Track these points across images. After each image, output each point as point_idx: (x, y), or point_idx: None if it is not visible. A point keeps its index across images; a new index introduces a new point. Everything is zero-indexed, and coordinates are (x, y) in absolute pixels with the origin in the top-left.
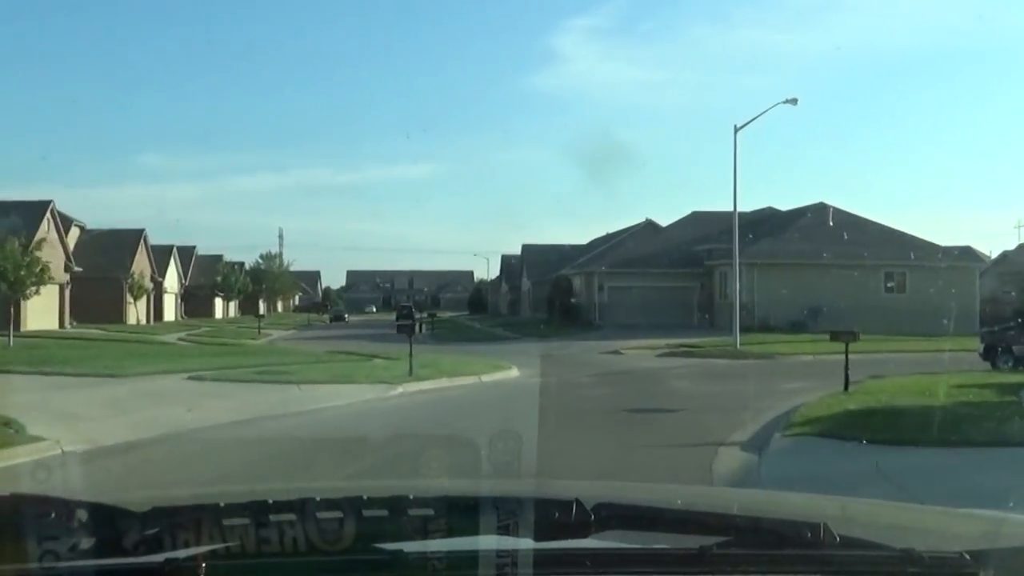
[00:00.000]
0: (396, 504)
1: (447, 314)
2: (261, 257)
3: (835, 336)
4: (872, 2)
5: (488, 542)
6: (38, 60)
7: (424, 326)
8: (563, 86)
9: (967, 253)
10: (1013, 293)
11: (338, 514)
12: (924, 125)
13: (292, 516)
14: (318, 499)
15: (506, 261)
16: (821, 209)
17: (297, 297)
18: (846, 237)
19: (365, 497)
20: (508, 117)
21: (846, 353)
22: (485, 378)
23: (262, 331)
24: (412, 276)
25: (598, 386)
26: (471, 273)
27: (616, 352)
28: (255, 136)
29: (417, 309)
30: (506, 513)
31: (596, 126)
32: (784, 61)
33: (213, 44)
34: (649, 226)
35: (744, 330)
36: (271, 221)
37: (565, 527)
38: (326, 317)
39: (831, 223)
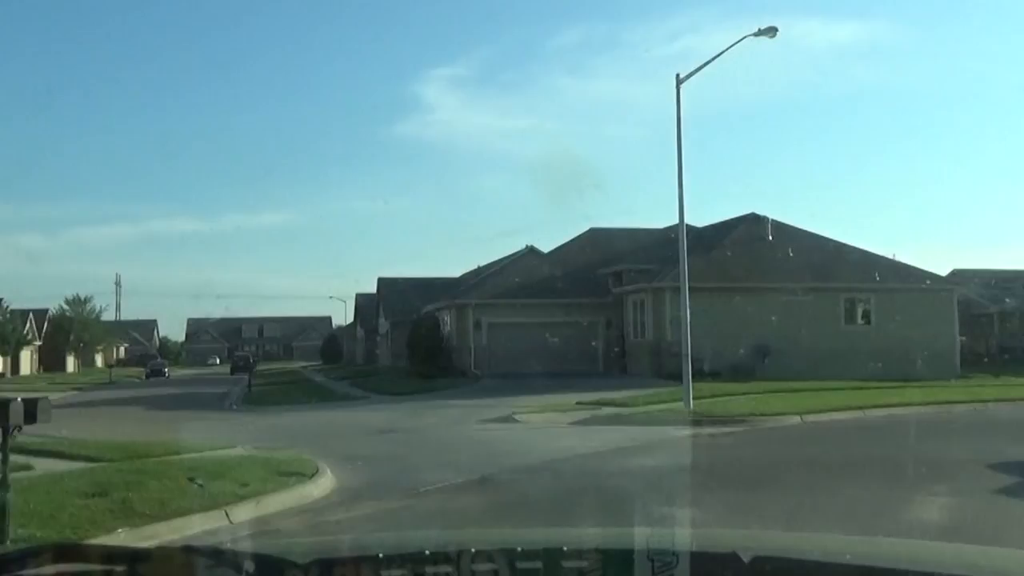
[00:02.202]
0: (551, 556)
1: (295, 364)
2: (67, 303)
3: None
4: (727, 58)
5: None
6: None
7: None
8: (427, 134)
9: (937, 278)
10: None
11: (493, 566)
12: (773, 178)
13: (448, 568)
14: (474, 550)
15: (361, 301)
16: (755, 221)
17: (122, 349)
18: (791, 255)
19: (520, 549)
20: (372, 164)
21: None
22: (238, 514)
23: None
24: (262, 323)
25: (501, 519)
26: (329, 319)
27: (508, 419)
28: (111, 186)
29: (264, 359)
30: (661, 566)
31: (460, 173)
32: (645, 112)
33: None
34: (531, 254)
35: (670, 377)
36: (122, 272)
37: None
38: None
39: (770, 237)
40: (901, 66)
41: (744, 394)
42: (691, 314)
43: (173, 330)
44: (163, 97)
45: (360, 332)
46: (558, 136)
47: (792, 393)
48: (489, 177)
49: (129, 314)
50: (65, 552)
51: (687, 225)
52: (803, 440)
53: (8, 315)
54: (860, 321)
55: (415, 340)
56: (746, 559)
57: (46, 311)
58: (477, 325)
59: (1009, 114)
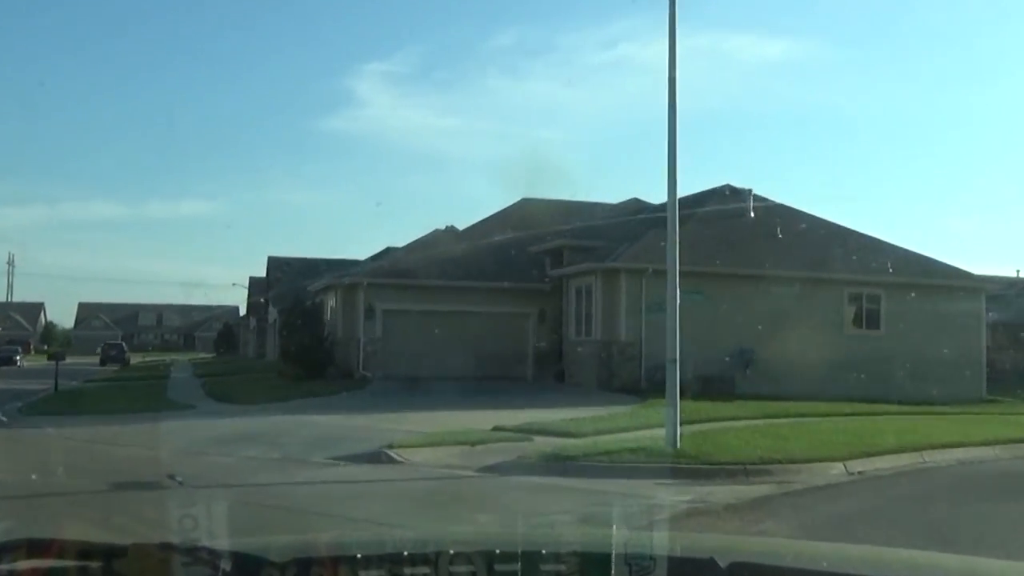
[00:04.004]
0: (529, 559)
1: (186, 356)
2: None
3: None
4: (658, 66)
5: None
6: None
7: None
8: (357, 129)
9: (967, 275)
10: None
11: (471, 568)
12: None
13: (426, 570)
14: (452, 552)
15: (253, 286)
16: (732, 195)
17: None
18: (780, 236)
19: (498, 551)
20: (299, 157)
21: None
22: None
23: None
24: (162, 311)
25: None
26: (237, 309)
27: (378, 457)
28: (28, 165)
29: (162, 349)
30: (639, 569)
31: (390, 170)
32: (574, 116)
33: None
34: (448, 232)
35: (623, 390)
36: (33, 256)
37: None
38: None
39: (751, 214)
40: (826, 83)
41: (735, 419)
42: (649, 309)
43: (66, 316)
44: (94, 80)
45: (252, 321)
46: (490, 136)
47: (800, 420)
48: (419, 174)
49: (27, 298)
50: (39, 547)
51: (640, 201)
52: (892, 519)
53: None
54: (866, 325)
55: (288, 331)
56: (723, 564)
57: None
58: (369, 312)
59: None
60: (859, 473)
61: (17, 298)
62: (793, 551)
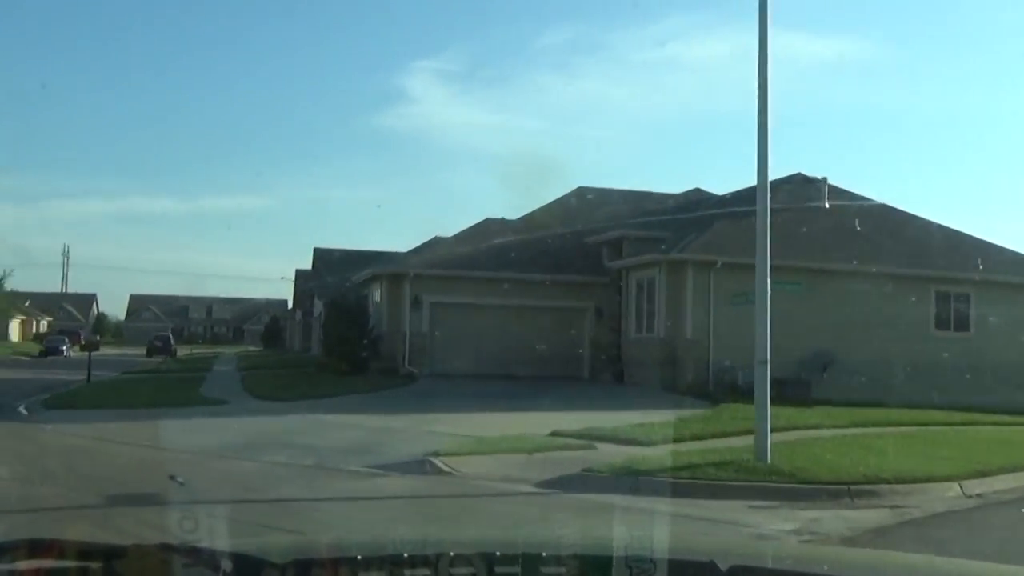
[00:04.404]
0: (529, 561)
1: (233, 349)
2: None
3: None
4: (710, 65)
5: None
6: None
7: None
8: (408, 126)
9: None
10: None
11: (472, 570)
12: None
13: (427, 572)
14: (452, 555)
15: (300, 279)
16: (805, 184)
17: (44, 322)
18: (859, 229)
19: (498, 554)
20: (350, 153)
21: None
22: None
23: None
24: (211, 303)
25: None
26: (285, 302)
27: (423, 465)
28: (86, 161)
29: (212, 341)
30: (640, 572)
31: (439, 166)
32: (624, 115)
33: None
34: (500, 221)
35: (689, 392)
36: (90, 249)
37: None
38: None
39: (826, 204)
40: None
41: (819, 427)
42: (717, 304)
43: (118, 307)
44: (151, 77)
45: (298, 314)
46: (538, 134)
47: (893, 430)
48: (468, 172)
49: (81, 289)
50: (40, 547)
51: (702, 191)
52: None
53: None
54: (954, 326)
55: (331, 324)
56: (724, 567)
57: None
58: (415, 304)
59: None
60: (978, 496)
61: (71, 289)
62: (793, 554)
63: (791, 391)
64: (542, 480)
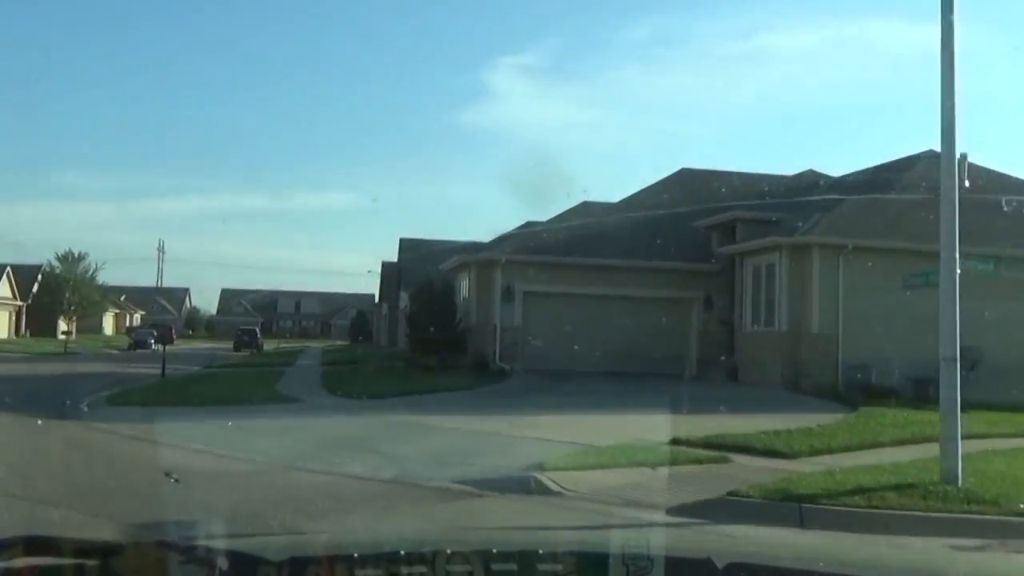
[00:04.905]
0: (526, 559)
1: (320, 343)
2: (57, 259)
3: None
4: (798, 56)
5: None
6: None
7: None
8: (492, 122)
9: None
10: None
11: (468, 568)
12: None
13: (423, 568)
14: (449, 552)
15: (386, 271)
16: (935, 162)
17: (138, 316)
18: (1005, 209)
19: (495, 551)
20: (435, 150)
21: None
22: None
23: None
24: (300, 298)
25: None
26: (372, 297)
27: (525, 481)
28: (184, 159)
29: (299, 336)
30: (636, 570)
31: (525, 163)
32: (712, 108)
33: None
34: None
35: (816, 393)
36: (187, 246)
37: None
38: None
39: (965, 183)
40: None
41: (988, 437)
42: (847, 293)
43: (210, 301)
44: (247, 79)
45: (384, 308)
46: (624, 128)
47: None
48: (551, 167)
49: (175, 283)
50: (37, 545)
51: (816, 172)
52: None
53: None
54: None
55: (417, 317)
56: (720, 564)
57: (38, 267)
58: (507, 294)
59: None
60: None
61: (165, 284)
62: (791, 552)
63: (932, 392)
64: (677, 505)
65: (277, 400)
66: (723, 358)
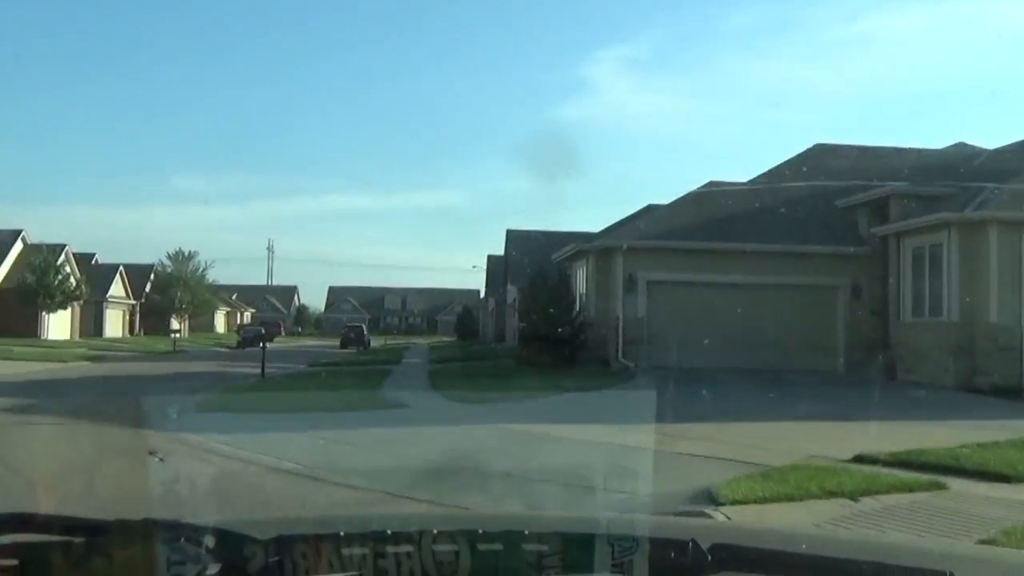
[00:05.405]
0: (512, 538)
1: (426, 340)
2: (168, 258)
3: None
4: (906, 39)
5: None
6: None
7: None
8: (594, 115)
9: None
10: None
11: (454, 547)
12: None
13: (410, 547)
14: (435, 531)
15: (492, 265)
16: None
17: (248, 314)
18: None
19: (481, 531)
20: (537, 146)
21: None
22: None
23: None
24: (406, 294)
25: None
26: (477, 292)
27: (710, 517)
28: (295, 162)
29: (406, 332)
30: (621, 551)
31: (628, 155)
32: (821, 96)
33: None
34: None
35: (996, 392)
36: (296, 245)
37: (681, 568)
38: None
39: None
40: None
41: None
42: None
43: (318, 299)
44: (356, 84)
45: (491, 303)
46: (729, 118)
47: None
48: (656, 159)
49: (284, 281)
50: (23, 521)
51: (967, 145)
52: None
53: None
54: None
55: (528, 310)
56: (705, 546)
57: (150, 267)
58: (629, 284)
59: None
60: None
61: (275, 282)
62: (777, 534)
63: None
64: None
65: (382, 404)
66: (876, 353)
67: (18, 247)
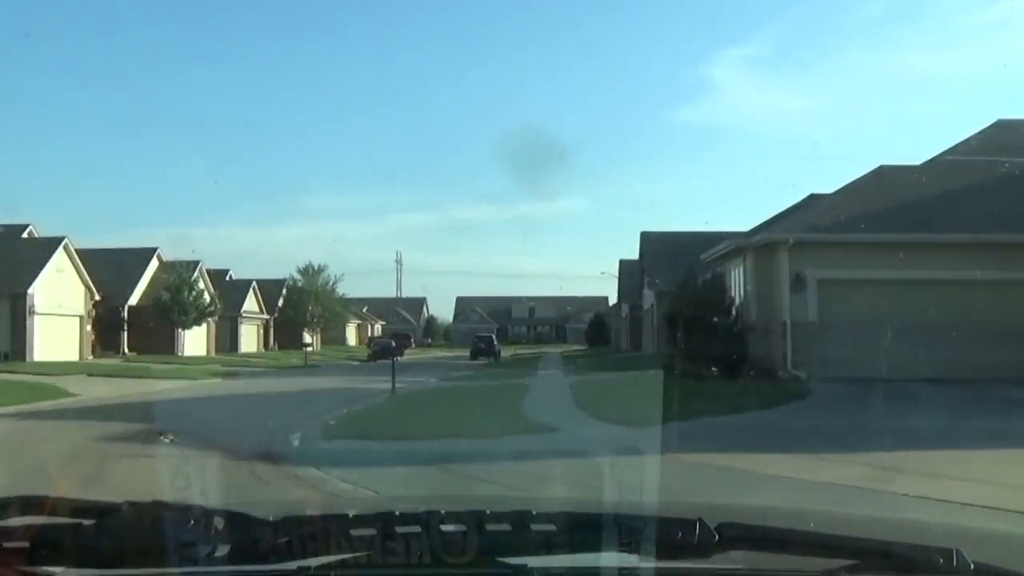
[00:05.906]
0: (519, 519)
1: (558, 348)
2: (299, 272)
3: None
4: None
5: (610, 559)
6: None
7: None
8: (717, 117)
9: None
10: None
11: (462, 527)
12: None
13: (418, 528)
14: (443, 512)
15: (624, 270)
16: None
17: (378, 326)
18: None
19: (488, 511)
20: (663, 150)
21: None
22: None
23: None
24: (534, 303)
25: None
26: (606, 299)
27: None
28: (423, 177)
29: (535, 342)
30: (628, 530)
31: (753, 156)
32: (954, 86)
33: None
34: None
35: None
36: (424, 259)
37: (688, 547)
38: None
39: None
40: None
41: None
42: None
43: (446, 309)
44: (481, 103)
45: (624, 309)
46: (858, 114)
47: None
48: (784, 159)
49: (412, 293)
50: (32, 504)
51: None
52: None
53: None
54: None
55: (677, 313)
56: (712, 526)
57: (282, 282)
58: (797, 283)
59: None
60: None
61: (404, 294)
62: (784, 513)
63: None
64: None
65: (527, 429)
66: None
67: (154, 265)
